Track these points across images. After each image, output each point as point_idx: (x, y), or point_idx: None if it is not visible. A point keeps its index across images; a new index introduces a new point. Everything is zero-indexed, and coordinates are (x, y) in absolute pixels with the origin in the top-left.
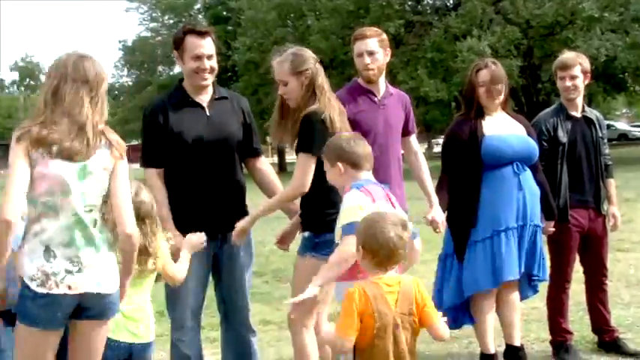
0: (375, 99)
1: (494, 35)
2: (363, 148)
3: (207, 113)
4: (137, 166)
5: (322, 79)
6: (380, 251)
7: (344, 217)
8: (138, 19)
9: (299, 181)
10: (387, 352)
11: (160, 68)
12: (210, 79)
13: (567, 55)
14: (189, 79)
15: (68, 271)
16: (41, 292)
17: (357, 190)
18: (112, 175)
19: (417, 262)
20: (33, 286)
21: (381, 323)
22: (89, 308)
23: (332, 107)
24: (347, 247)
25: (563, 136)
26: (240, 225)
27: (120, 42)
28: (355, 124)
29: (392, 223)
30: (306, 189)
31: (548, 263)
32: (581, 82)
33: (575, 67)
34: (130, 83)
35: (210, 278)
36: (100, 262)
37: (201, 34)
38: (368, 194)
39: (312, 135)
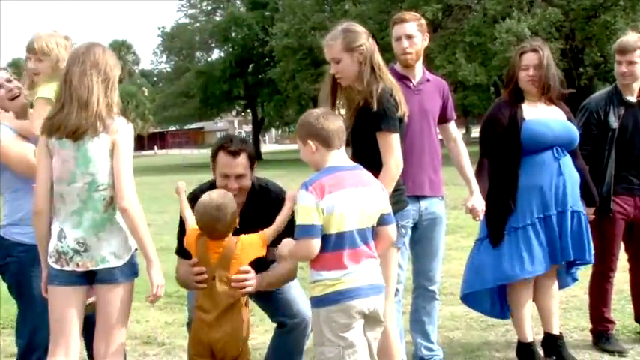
0: (410, 84)
1: (534, 17)
2: (333, 123)
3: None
4: (175, 151)
5: (378, 56)
6: (201, 226)
7: (297, 218)
8: (177, 5)
9: (399, 159)
10: (206, 293)
11: (198, 54)
12: (240, 196)
13: (627, 39)
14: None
15: (76, 251)
16: (55, 267)
17: (304, 191)
18: (113, 154)
19: (384, 250)
20: (50, 261)
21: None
22: (97, 273)
23: (395, 86)
24: (298, 251)
25: (614, 122)
26: None
27: (159, 29)
28: None
29: (209, 205)
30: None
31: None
32: (639, 68)
33: (635, 52)
34: (169, 69)
35: None
36: (107, 240)
37: (233, 153)
38: (314, 192)
39: (392, 113)
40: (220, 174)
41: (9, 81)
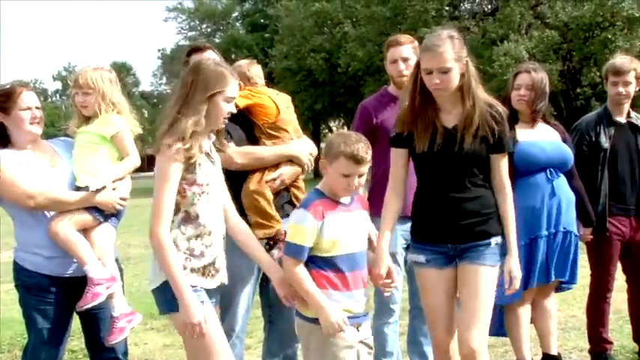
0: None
1: (531, 40)
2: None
3: None
4: None
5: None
6: None
7: (288, 235)
8: (176, 28)
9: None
10: None
11: None
12: None
13: (622, 60)
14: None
15: None
16: None
17: (304, 210)
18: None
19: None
20: None
21: None
22: None
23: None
24: (285, 266)
25: (605, 142)
26: None
27: (159, 50)
28: (383, 131)
29: None
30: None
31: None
32: (633, 89)
33: (630, 74)
34: (169, 91)
35: None
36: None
37: (201, 49)
38: (314, 212)
39: (509, 133)
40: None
41: (37, 108)
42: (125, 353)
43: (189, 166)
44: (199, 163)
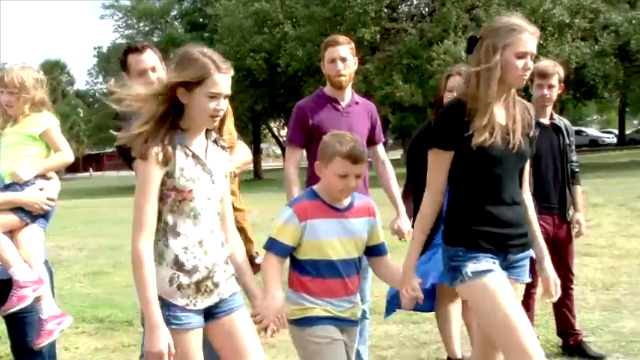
0: (339, 107)
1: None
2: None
3: None
4: (112, 173)
5: None
6: None
7: (273, 230)
8: (112, 26)
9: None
10: None
11: None
12: None
13: (546, 64)
14: None
15: None
16: None
17: (288, 208)
18: None
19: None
20: None
21: None
22: None
23: None
24: (264, 262)
25: None
26: None
27: (95, 49)
28: (319, 132)
29: None
30: None
31: None
32: (556, 92)
33: (554, 77)
34: (105, 90)
35: None
36: None
37: (140, 49)
38: (299, 212)
39: None
40: (139, 71)
41: None
42: (53, 357)
43: (169, 169)
44: (181, 167)
